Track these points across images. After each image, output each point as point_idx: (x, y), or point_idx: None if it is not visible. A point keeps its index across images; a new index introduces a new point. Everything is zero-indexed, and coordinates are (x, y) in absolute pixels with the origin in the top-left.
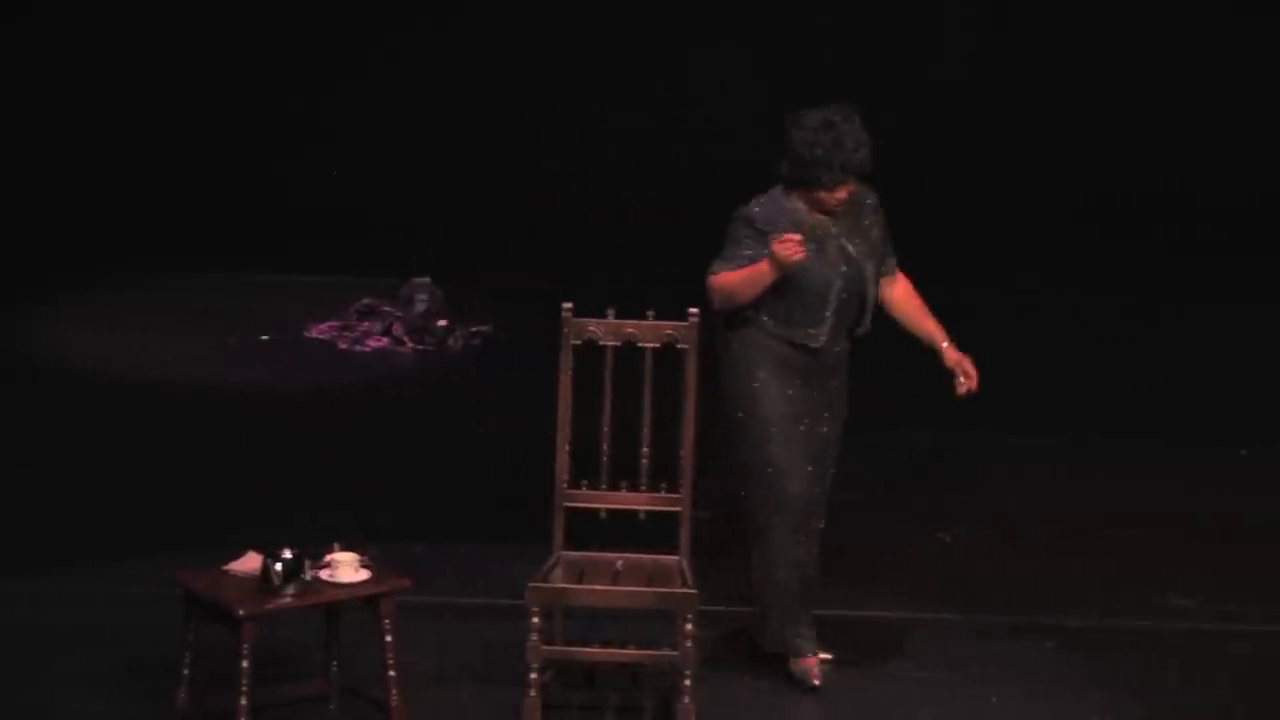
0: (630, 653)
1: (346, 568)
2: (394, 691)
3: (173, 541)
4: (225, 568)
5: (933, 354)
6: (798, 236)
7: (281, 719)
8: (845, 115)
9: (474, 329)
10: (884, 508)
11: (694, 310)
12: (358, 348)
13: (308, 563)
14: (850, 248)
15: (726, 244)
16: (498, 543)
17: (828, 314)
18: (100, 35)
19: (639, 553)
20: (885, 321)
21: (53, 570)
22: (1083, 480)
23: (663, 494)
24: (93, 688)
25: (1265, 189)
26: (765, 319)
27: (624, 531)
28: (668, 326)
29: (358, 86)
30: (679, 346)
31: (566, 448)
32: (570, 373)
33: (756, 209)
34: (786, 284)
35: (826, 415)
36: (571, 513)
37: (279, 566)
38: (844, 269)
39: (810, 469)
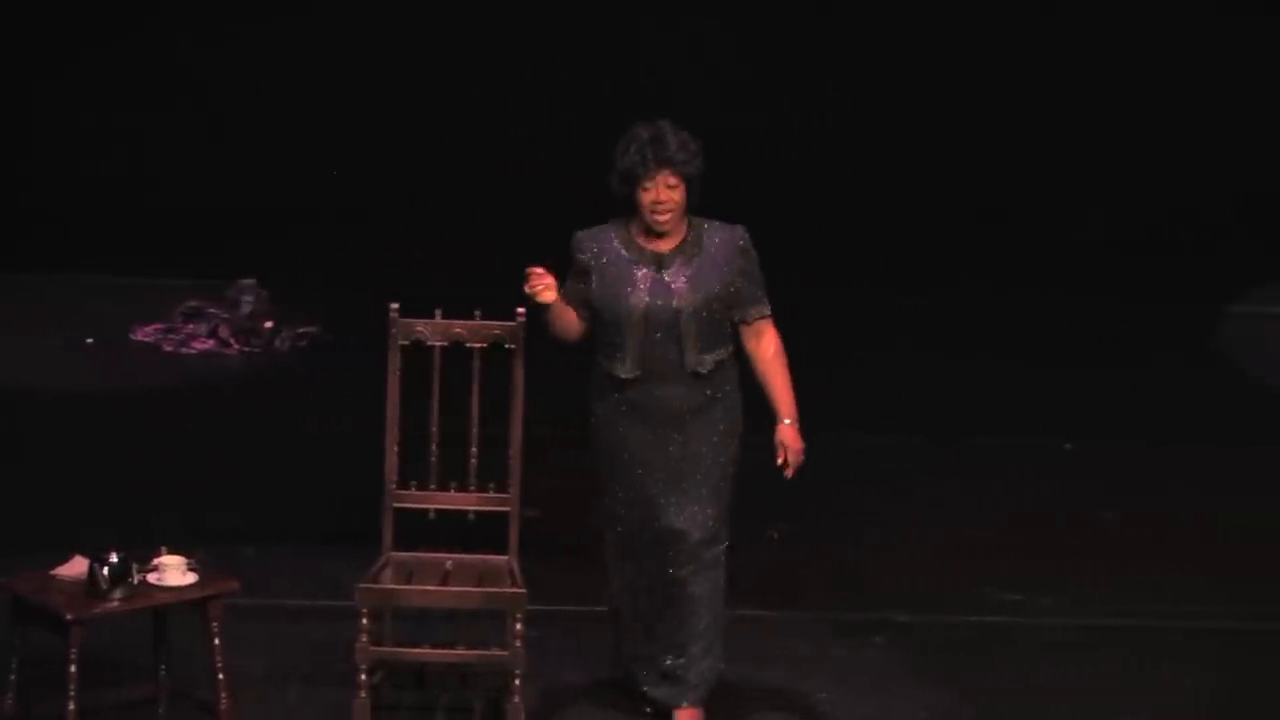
0: (460, 653)
1: (174, 571)
2: (223, 694)
3: None
4: (52, 572)
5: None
6: (540, 270)
7: None
8: (670, 124)
9: (301, 330)
10: None
11: (521, 310)
12: (183, 350)
13: (135, 566)
14: (670, 279)
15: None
16: (326, 544)
17: (628, 345)
18: None
19: (468, 553)
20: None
21: None
22: (915, 476)
23: (491, 494)
24: None
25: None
26: (599, 353)
27: (453, 532)
28: (495, 327)
29: (183, 87)
30: (506, 346)
31: (395, 448)
32: (398, 373)
33: (581, 233)
34: (599, 314)
35: (673, 449)
36: (400, 513)
37: (106, 570)
38: (649, 301)
39: (650, 498)
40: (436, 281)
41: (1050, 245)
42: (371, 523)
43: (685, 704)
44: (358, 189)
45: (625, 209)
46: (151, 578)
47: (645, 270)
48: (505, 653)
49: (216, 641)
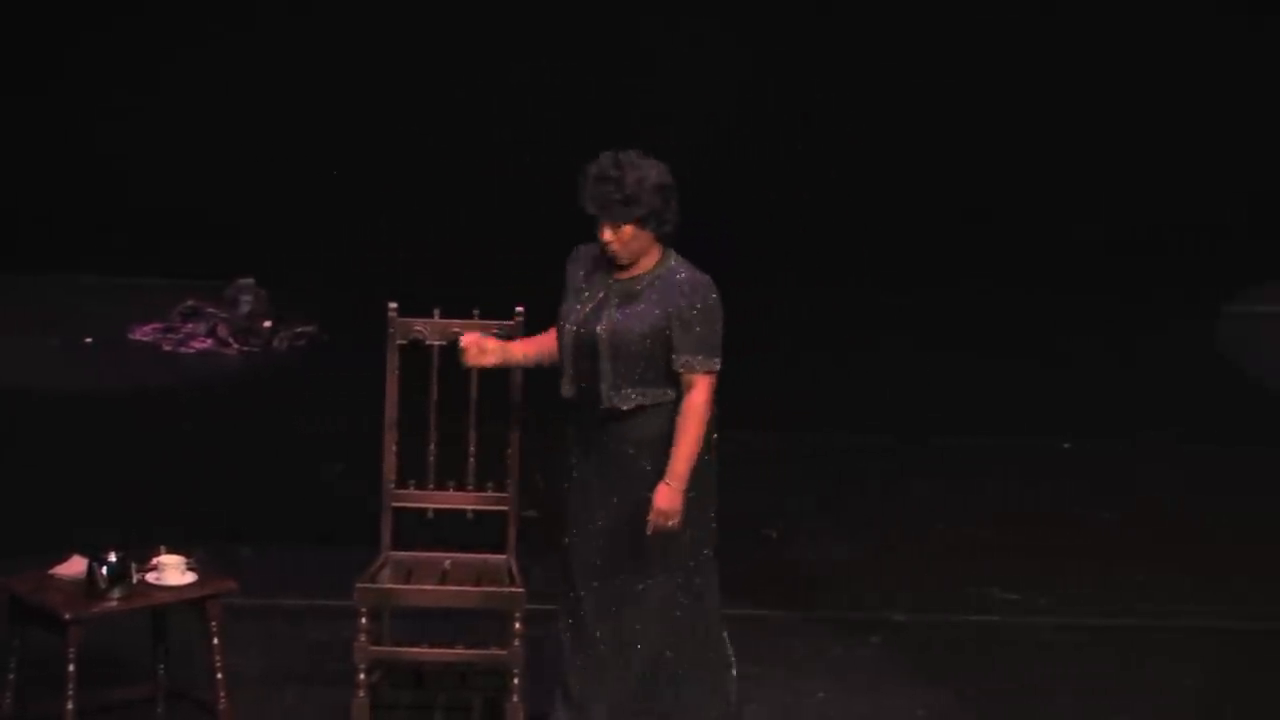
0: (459, 652)
1: (173, 570)
2: (221, 694)
3: None
4: (50, 571)
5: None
6: (473, 339)
7: None
8: (623, 156)
9: (299, 329)
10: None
11: (520, 309)
12: (182, 349)
13: (133, 566)
14: (612, 309)
15: None
16: (325, 543)
17: (565, 363)
18: None
19: (467, 552)
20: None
21: None
22: (912, 476)
23: (490, 493)
24: None
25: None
26: None
27: (452, 531)
28: (494, 326)
29: (180, 87)
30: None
31: (394, 448)
32: (397, 372)
33: (582, 247)
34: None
35: (610, 485)
36: (399, 513)
37: (104, 570)
38: (581, 325)
39: (598, 528)
40: (435, 281)
41: (1043, 245)
42: (370, 522)
43: None
44: (357, 188)
45: None
46: (150, 577)
47: (600, 294)
48: (504, 652)
49: (215, 641)
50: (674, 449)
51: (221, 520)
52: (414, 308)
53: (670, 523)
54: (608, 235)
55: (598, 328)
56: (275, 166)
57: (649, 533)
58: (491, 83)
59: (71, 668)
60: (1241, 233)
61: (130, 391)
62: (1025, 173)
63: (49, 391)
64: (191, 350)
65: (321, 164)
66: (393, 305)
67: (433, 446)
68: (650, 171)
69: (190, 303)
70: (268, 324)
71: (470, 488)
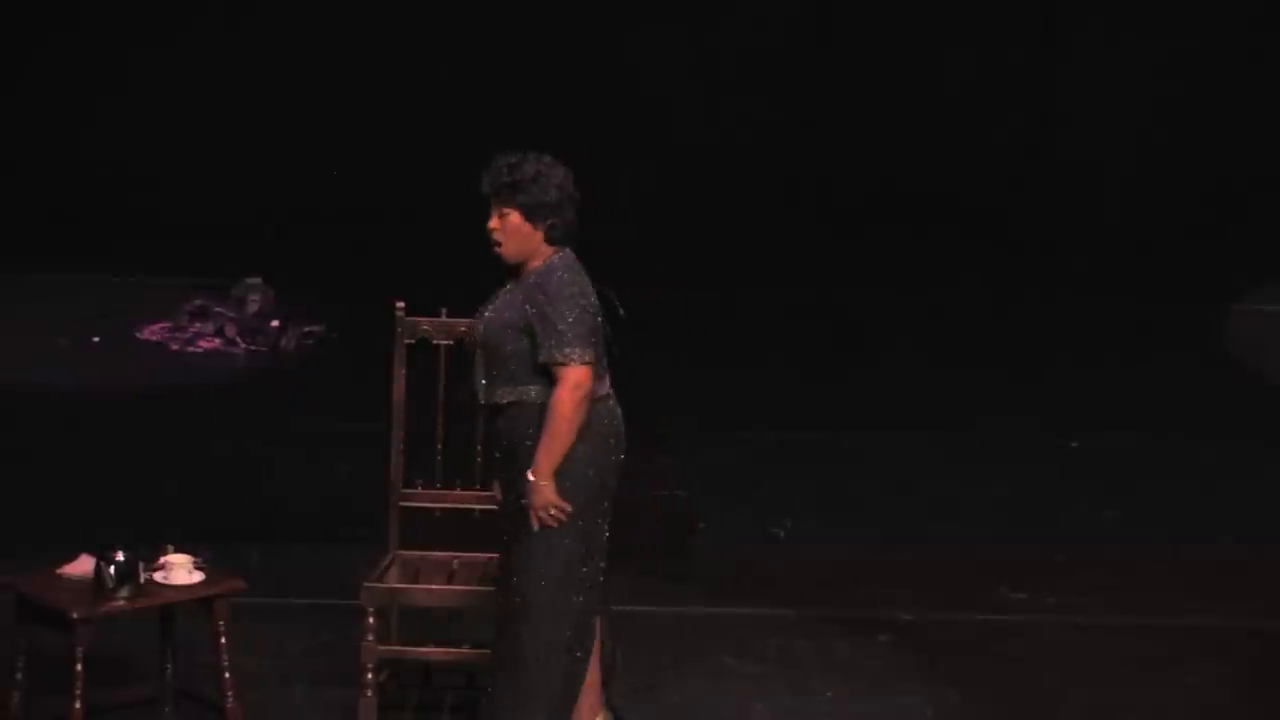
0: (466, 651)
1: (180, 570)
2: (229, 693)
3: (4, 545)
4: (58, 571)
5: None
6: None
7: None
8: (530, 156)
9: (307, 329)
10: (716, 503)
11: (398, 305)
12: (190, 349)
13: (141, 565)
14: (490, 306)
15: None
16: (332, 543)
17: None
18: None
19: (474, 551)
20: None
21: None
22: (919, 473)
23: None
24: None
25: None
26: None
27: (459, 530)
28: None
29: (184, 85)
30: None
31: (401, 447)
32: (404, 372)
33: (493, 223)
34: None
35: (503, 483)
36: (406, 512)
37: (112, 569)
38: (475, 322)
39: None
40: (442, 280)
41: (1054, 244)
42: (377, 521)
43: None
44: (364, 189)
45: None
46: (158, 576)
47: (495, 298)
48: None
49: (223, 640)
50: (540, 443)
51: (229, 519)
52: (421, 307)
53: (549, 513)
54: (492, 222)
55: (478, 327)
56: (283, 166)
57: (535, 528)
58: (499, 83)
59: (79, 667)
60: (1249, 230)
61: (138, 390)
62: (1025, 174)
63: (58, 390)
64: (199, 349)
65: (330, 164)
66: (400, 304)
67: (439, 445)
68: (551, 171)
69: (198, 302)
70: (275, 323)
71: (478, 487)
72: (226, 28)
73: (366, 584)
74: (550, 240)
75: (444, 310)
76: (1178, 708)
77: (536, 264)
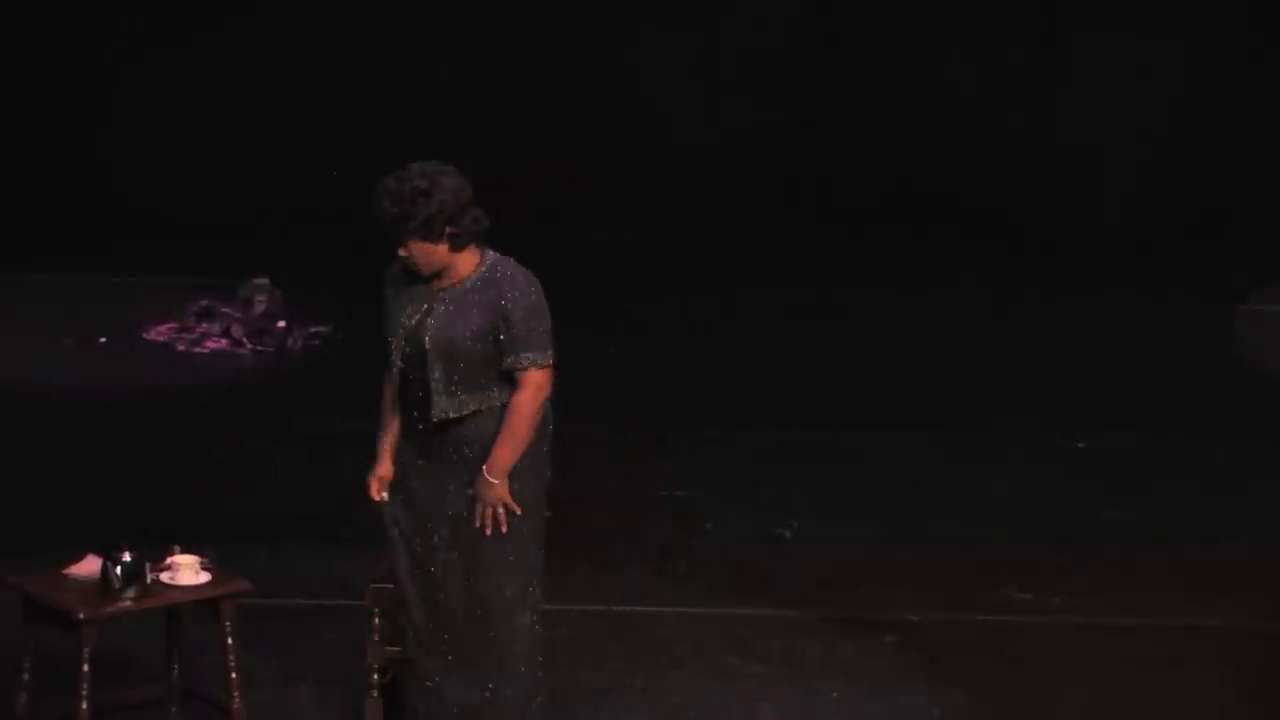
0: None
1: (187, 570)
2: (235, 694)
3: (11, 545)
4: (64, 571)
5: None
6: (377, 494)
7: None
8: (403, 174)
9: (313, 330)
10: (720, 503)
11: None
12: (196, 349)
13: (148, 565)
14: (423, 317)
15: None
16: (338, 543)
17: (395, 363)
18: None
19: None
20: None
21: None
22: (921, 473)
23: None
24: None
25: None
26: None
27: None
28: None
29: (192, 85)
30: None
31: None
32: None
33: (391, 267)
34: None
35: (451, 494)
36: None
37: (119, 569)
38: (405, 339)
39: (444, 537)
40: None
41: (1058, 242)
42: (382, 522)
43: None
44: (370, 188)
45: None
46: (164, 577)
47: (424, 305)
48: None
49: (229, 641)
50: (498, 442)
51: (236, 520)
52: None
53: (495, 509)
54: (401, 251)
55: (425, 337)
56: (288, 166)
57: (476, 524)
58: (499, 84)
59: (85, 667)
60: (1248, 231)
61: (144, 391)
62: (1025, 174)
63: (64, 391)
64: (206, 350)
65: (332, 163)
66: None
67: None
68: (433, 184)
69: (205, 303)
70: (282, 324)
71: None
72: (230, 28)
73: (372, 585)
74: (457, 248)
75: None
76: (1180, 708)
77: (468, 269)
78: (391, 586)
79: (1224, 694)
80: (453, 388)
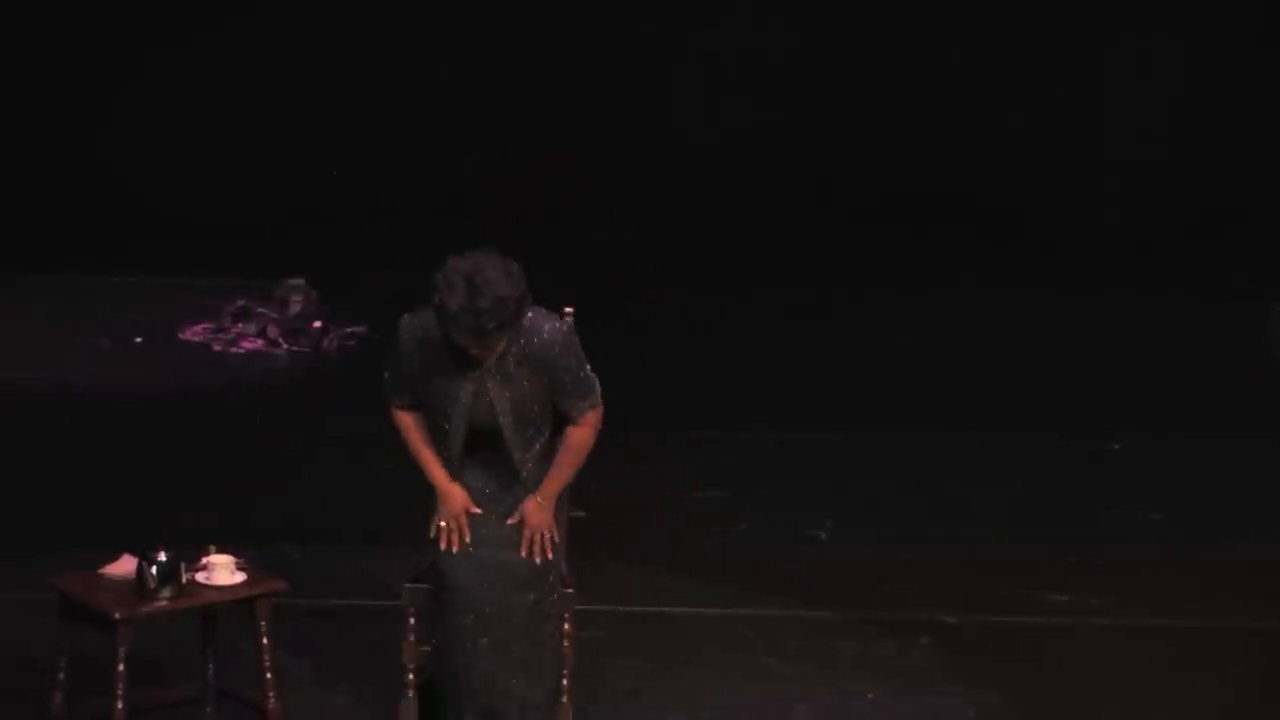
0: None
1: (222, 570)
2: (271, 694)
3: (47, 545)
4: (100, 571)
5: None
6: (452, 538)
7: None
8: (481, 274)
9: (349, 330)
10: (754, 504)
11: (570, 309)
12: (232, 349)
13: (183, 565)
14: (479, 392)
15: (392, 351)
16: (373, 544)
17: (454, 442)
18: None
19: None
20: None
21: None
22: (961, 476)
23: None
24: None
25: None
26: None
27: None
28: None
29: (229, 83)
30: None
31: None
32: None
33: (415, 321)
34: (424, 392)
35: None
36: None
37: (154, 569)
38: (468, 414)
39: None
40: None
41: (1082, 239)
42: (419, 522)
43: None
44: (407, 189)
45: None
46: (200, 577)
47: (475, 374)
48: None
49: (264, 641)
50: (552, 470)
51: (271, 520)
52: None
53: (545, 534)
54: (476, 352)
55: (499, 416)
56: (325, 166)
57: (525, 550)
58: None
59: (121, 667)
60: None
61: (180, 391)
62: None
63: (100, 391)
64: (241, 350)
65: (368, 163)
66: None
67: None
68: (501, 286)
69: (240, 303)
70: (318, 324)
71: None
72: (274, 24)
73: (407, 585)
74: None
75: None
76: (1220, 711)
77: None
78: (427, 587)
79: (1265, 695)
80: (524, 440)
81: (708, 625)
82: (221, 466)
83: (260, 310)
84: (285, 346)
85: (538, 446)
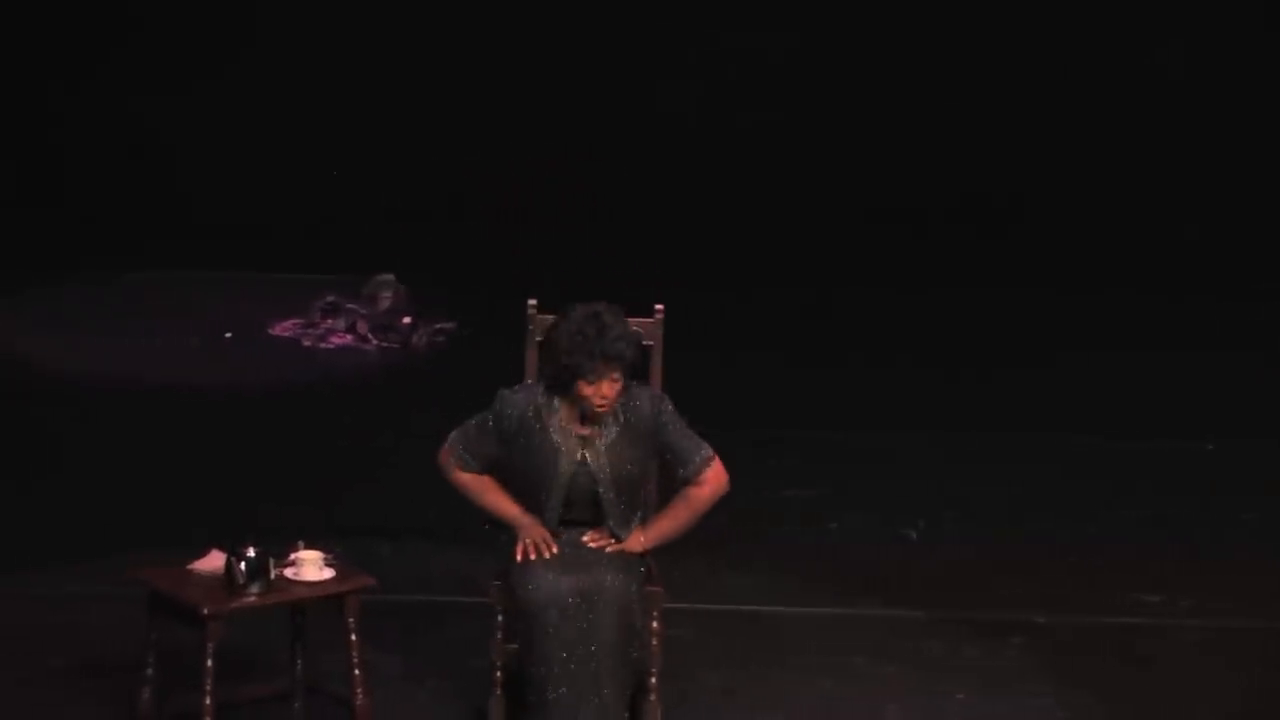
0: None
1: (311, 566)
2: (359, 690)
3: (137, 541)
4: (189, 567)
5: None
6: (537, 551)
7: (245, 718)
8: (612, 311)
9: (438, 326)
10: (844, 504)
11: (660, 307)
12: (322, 345)
13: (272, 561)
14: (578, 458)
15: (477, 416)
16: (462, 541)
17: (553, 503)
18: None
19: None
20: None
21: (16, 571)
22: (1049, 476)
23: None
24: (55, 688)
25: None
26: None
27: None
28: (633, 323)
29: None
30: (645, 343)
31: None
32: (535, 369)
33: (518, 395)
34: (513, 466)
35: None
36: None
37: (243, 565)
38: (569, 479)
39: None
40: (572, 277)
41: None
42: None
43: None
44: (501, 186)
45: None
46: (289, 573)
47: (575, 440)
48: (642, 650)
49: (353, 637)
50: (666, 513)
51: (361, 516)
52: (553, 304)
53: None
54: (608, 389)
55: (598, 487)
56: (414, 163)
57: (594, 541)
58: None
59: (210, 663)
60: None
61: (270, 387)
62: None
63: (190, 387)
64: (331, 346)
65: (460, 162)
66: (531, 302)
67: None
68: (624, 324)
69: (330, 299)
70: (407, 320)
71: None
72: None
73: (496, 582)
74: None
75: (577, 307)
76: None
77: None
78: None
79: None
80: (622, 513)
81: (797, 625)
82: (310, 462)
83: (350, 306)
84: (375, 342)
85: (635, 522)
